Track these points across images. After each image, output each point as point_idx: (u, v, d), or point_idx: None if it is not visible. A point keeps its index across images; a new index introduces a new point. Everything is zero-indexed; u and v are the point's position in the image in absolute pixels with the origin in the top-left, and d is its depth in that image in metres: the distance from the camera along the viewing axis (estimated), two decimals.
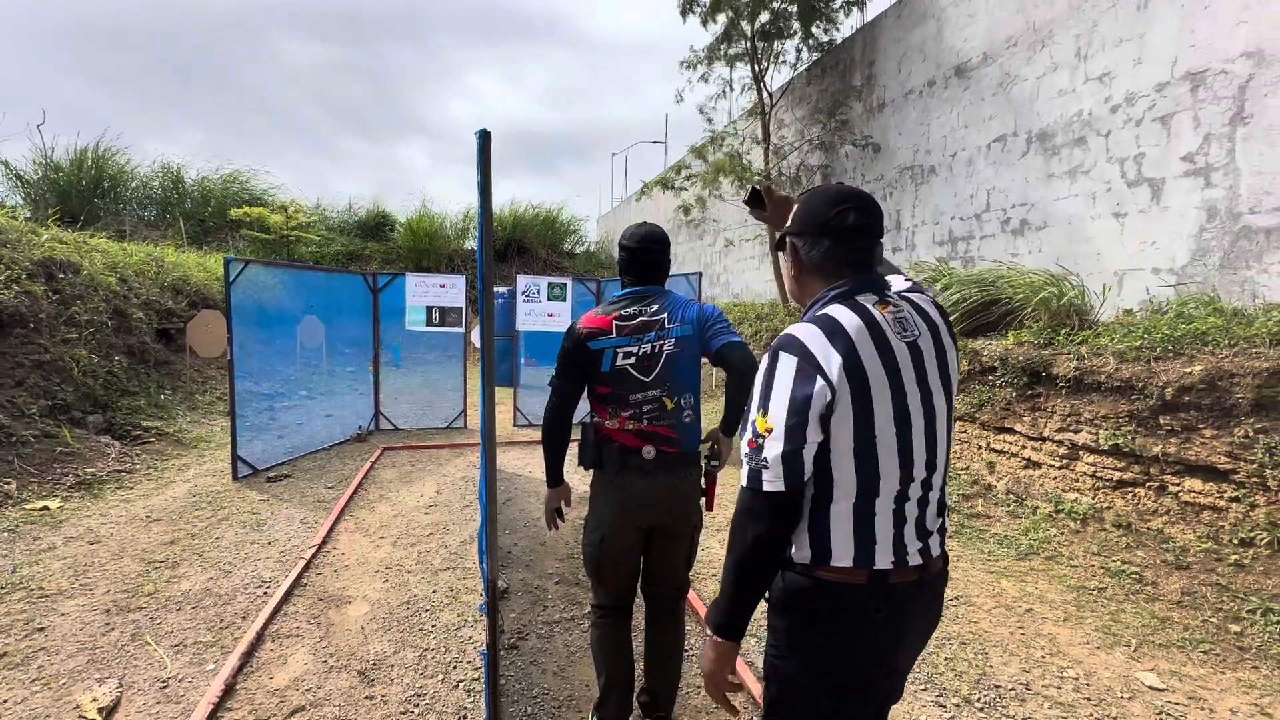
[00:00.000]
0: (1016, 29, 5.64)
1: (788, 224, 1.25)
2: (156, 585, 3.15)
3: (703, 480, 2.01)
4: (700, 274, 6.13)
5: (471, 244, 17.84)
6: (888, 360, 1.08)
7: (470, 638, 2.72)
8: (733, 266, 11.51)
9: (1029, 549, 3.66)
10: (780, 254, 1.30)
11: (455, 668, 2.50)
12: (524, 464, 5.68)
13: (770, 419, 1.05)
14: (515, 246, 17.37)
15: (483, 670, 2.19)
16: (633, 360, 1.88)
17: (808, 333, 1.08)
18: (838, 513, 1.09)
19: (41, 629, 2.73)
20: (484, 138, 1.40)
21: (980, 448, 4.54)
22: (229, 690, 2.28)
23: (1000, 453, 4.38)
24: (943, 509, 1.22)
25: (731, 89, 8.81)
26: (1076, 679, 2.49)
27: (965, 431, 4.68)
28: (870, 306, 1.12)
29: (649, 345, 1.88)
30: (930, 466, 1.14)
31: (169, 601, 2.99)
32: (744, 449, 1.09)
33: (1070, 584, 3.28)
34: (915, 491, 1.13)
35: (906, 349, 1.11)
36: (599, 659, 2.00)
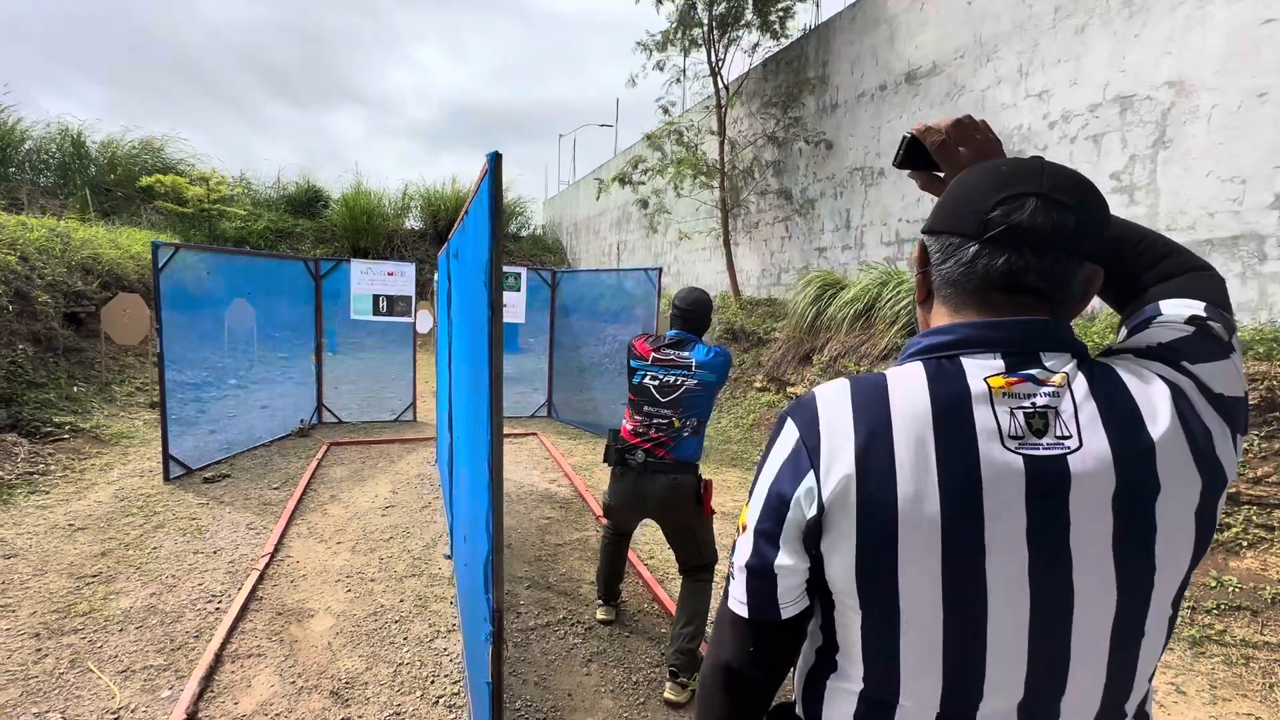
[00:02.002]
0: (964, 41, 5.88)
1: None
2: (91, 603, 2.92)
3: (700, 487, 2.52)
4: (660, 269, 6.15)
5: (411, 224, 17.18)
6: (958, 480, 0.60)
7: (445, 649, 2.68)
8: (684, 258, 11.59)
9: None
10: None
11: (433, 682, 2.45)
12: None
13: (749, 509, 0.71)
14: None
15: (474, 699, 2.17)
16: (656, 383, 2.52)
17: (832, 394, 0.68)
18: (831, 689, 0.70)
19: None
20: (494, 161, 1.35)
21: None
22: None
23: None
24: None
25: (686, 77, 8.79)
26: None
27: None
28: (977, 380, 0.64)
29: (673, 378, 2.50)
30: (1041, 686, 0.63)
31: (108, 621, 2.78)
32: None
33: None
34: None
35: (1023, 468, 0.60)
36: (600, 556, 2.95)
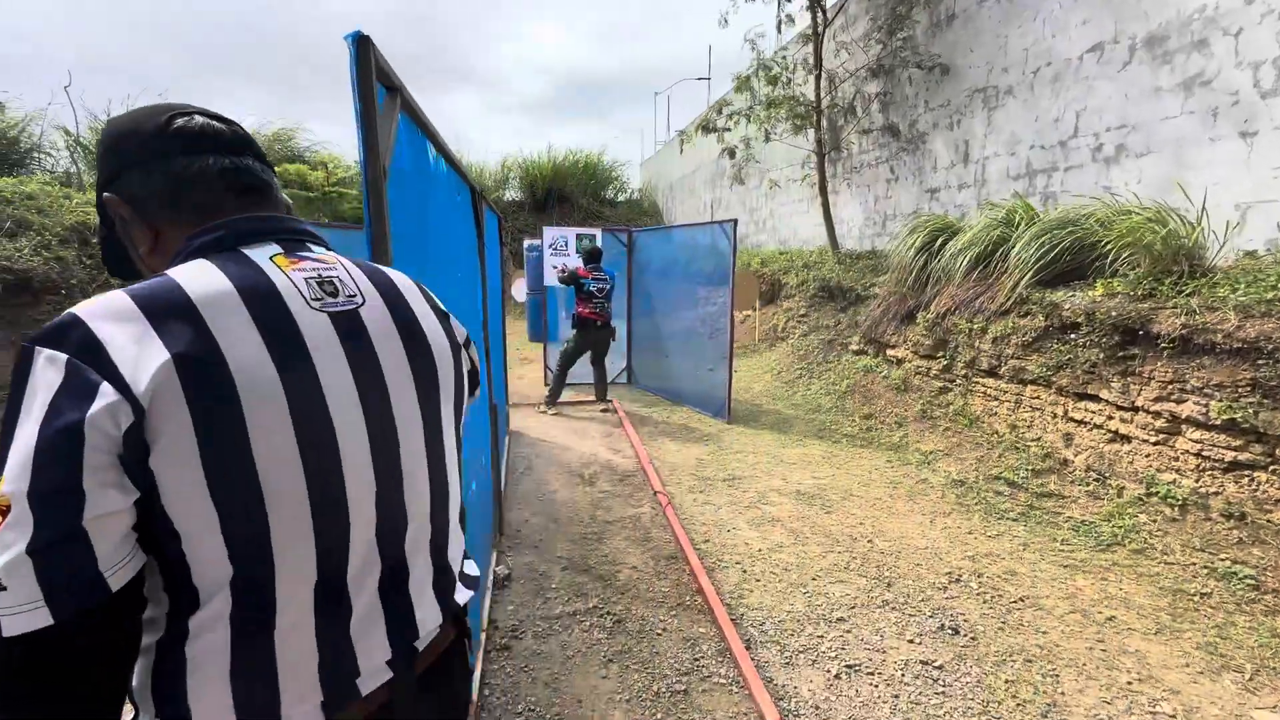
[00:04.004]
0: None
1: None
2: None
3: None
4: (735, 220, 5.55)
5: (510, 195, 17.47)
6: (286, 344, 0.63)
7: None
8: (778, 211, 10.71)
9: (1112, 538, 3.14)
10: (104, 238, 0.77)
11: None
12: (548, 430, 5.44)
13: (6, 484, 0.51)
14: (556, 196, 16.89)
15: None
16: (596, 287, 5.69)
17: (103, 309, 0.57)
18: (203, 649, 0.60)
19: None
20: (357, 44, 1.00)
21: (1055, 416, 3.94)
22: None
23: (1080, 423, 3.79)
24: (446, 570, 0.81)
25: (784, 4, 7.88)
26: (1173, 716, 2.04)
27: (1038, 397, 4.08)
28: (265, 260, 0.68)
29: (601, 284, 5.70)
30: (399, 516, 0.72)
31: None
32: None
33: (1164, 586, 2.76)
34: (369, 567, 0.70)
35: (330, 323, 0.67)
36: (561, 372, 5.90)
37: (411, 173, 1.49)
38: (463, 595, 0.85)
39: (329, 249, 0.78)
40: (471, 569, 0.91)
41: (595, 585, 2.86)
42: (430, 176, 1.77)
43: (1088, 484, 3.56)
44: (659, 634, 2.49)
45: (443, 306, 0.88)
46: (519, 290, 9.71)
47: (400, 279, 0.82)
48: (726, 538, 3.33)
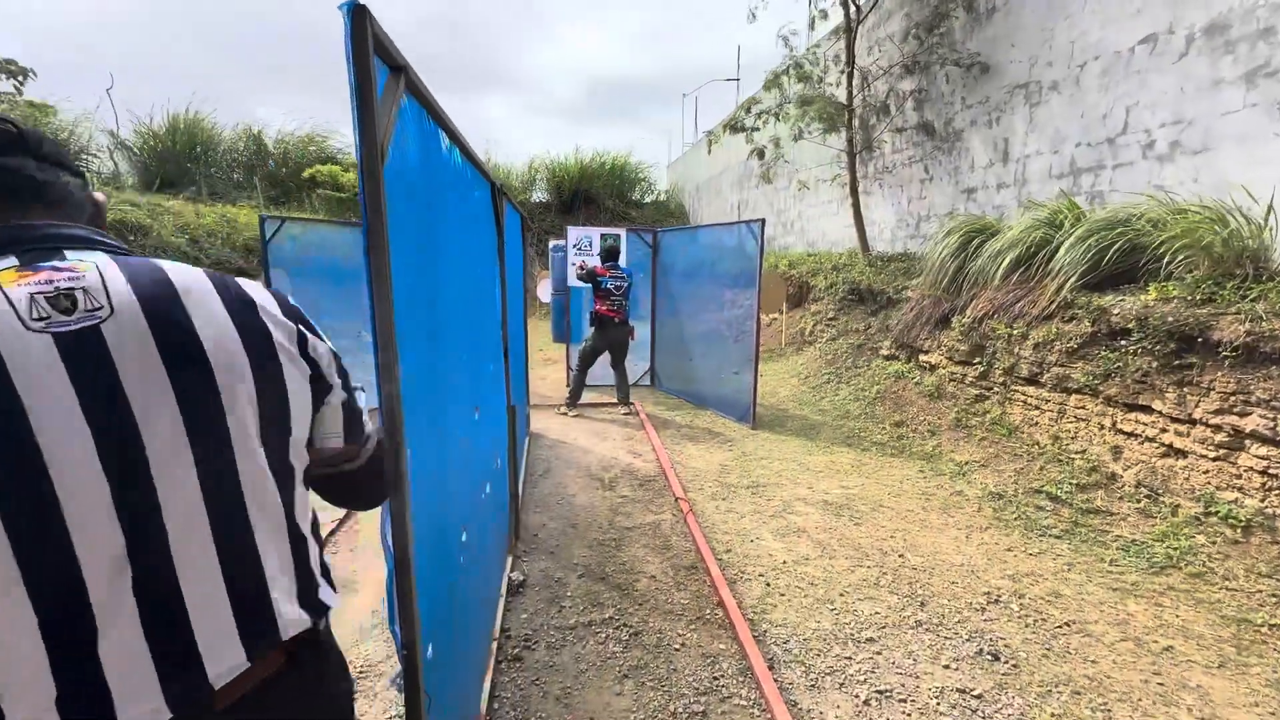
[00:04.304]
0: None
1: None
2: None
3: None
4: (763, 220, 5.40)
5: (537, 196, 17.52)
6: None
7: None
8: (807, 212, 10.50)
9: (1167, 560, 2.92)
10: None
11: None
12: (568, 431, 5.36)
13: None
14: (582, 197, 16.90)
15: None
16: (614, 285, 5.65)
17: None
18: None
19: None
20: (351, 10, 0.92)
21: (1103, 427, 3.72)
22: None
23: (1130, 435, 3.56)
24: (257, 598, 0.74)
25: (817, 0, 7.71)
26: None
27: (1084, 407, 3.85)
28: None
29: (619, 282, 5.68)
30: (159, 546, 0.66)
31: None
32: None
33: (1226, 614, 2.55)
34: (118, 607, 0.64)
35: (52, 344, 0.61)
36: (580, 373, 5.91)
37: (419, 163, 1.41)
38: (294, 624, 0.78)
39: (117, 251, 0.74)
40: (326, 595, 0.84)
41: (612, 594, 2.76)
42: (443, 169, 1.69)
43: (1138, 500, 3.34)
44: (677, 649, 2.37)
45: (266, 304, 0.78)
46: (544, 291, 9.68)
47: (184, 279, 0.72)
48: (749, 548, 3.20)
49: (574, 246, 6.71)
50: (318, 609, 0.82)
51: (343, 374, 0.88)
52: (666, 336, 6.98)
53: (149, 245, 6.55)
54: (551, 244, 9.49)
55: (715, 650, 2.37)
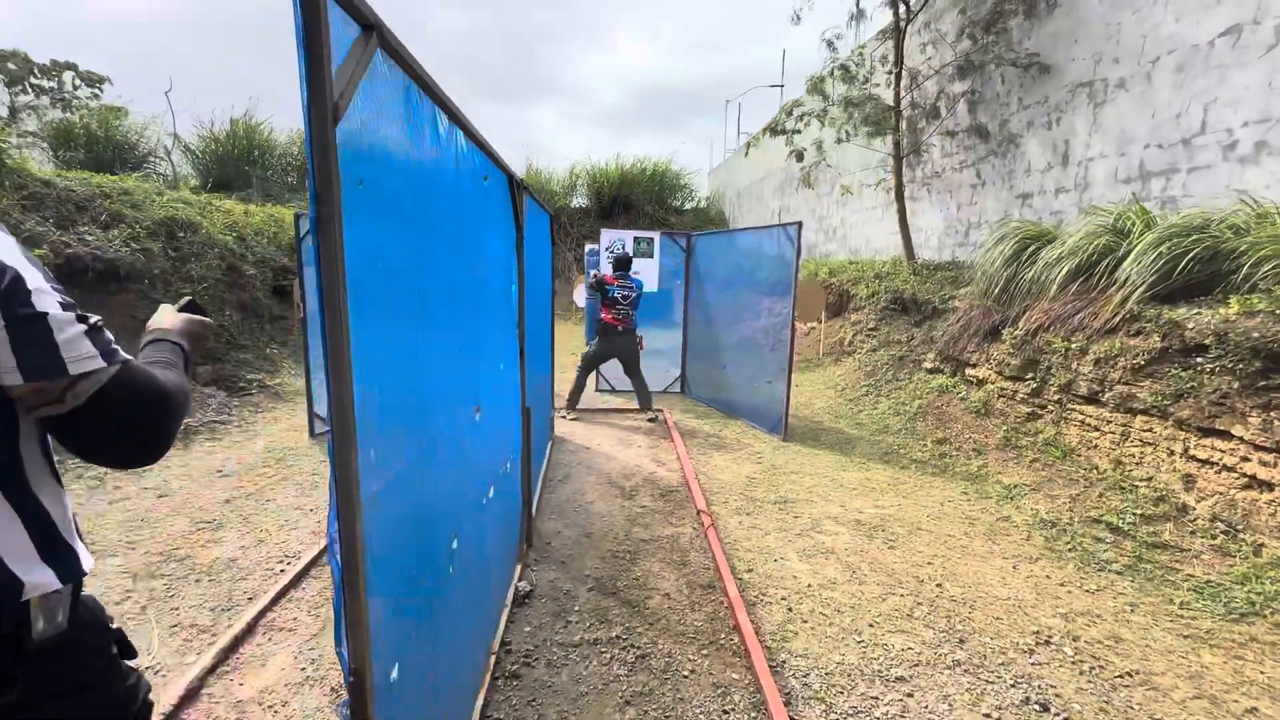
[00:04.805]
0: None
1: None
2: (190, 549, 3.06)
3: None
4: (800, 223, 5.18)
5: (577, 201, 17.58)
6: None
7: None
8: (850, 219, 10.16)
9: (1248, 606, 2.59)
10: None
11: None
12: (592, 436, 5.24)
13: None
14: (622, 203, 16.87)
15: None
16: (621, 294, 5.54)
17: None
18: None
19: None
20: None
21: (1173, 453, 3.37)
22: (188, 696, 2.01)
23: (1205, 463, 3.21)
24: None
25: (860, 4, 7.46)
26: None
27: (1151, 430, 3.51)
28: None
29: (626, 291, 5.57)
30: None
31: (193, 570, 2.86)
32: None
33: None
34: None
35: None
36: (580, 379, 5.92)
37: (403, 138, 1.30)
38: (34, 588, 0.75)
39: None
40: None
41: (622, 611, 2.60)
42: (438, 149, 1.58)
43: (1213, 536, 2.99)
44: (685, 675, 2.20)
45: None
46: (580, 295, 9.64)
47: None
48: (772, 568, 3.00)
49: (606, 249, 6.61)
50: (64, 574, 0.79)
51: (17, 295, 0.70)
52: (698, 343, 6.80)
53: (197, 241, 6.76)
54: (588, 249, 9.46)
55: (727, 680, 2.18)
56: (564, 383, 6.99)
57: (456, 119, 1.71)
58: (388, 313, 1.22)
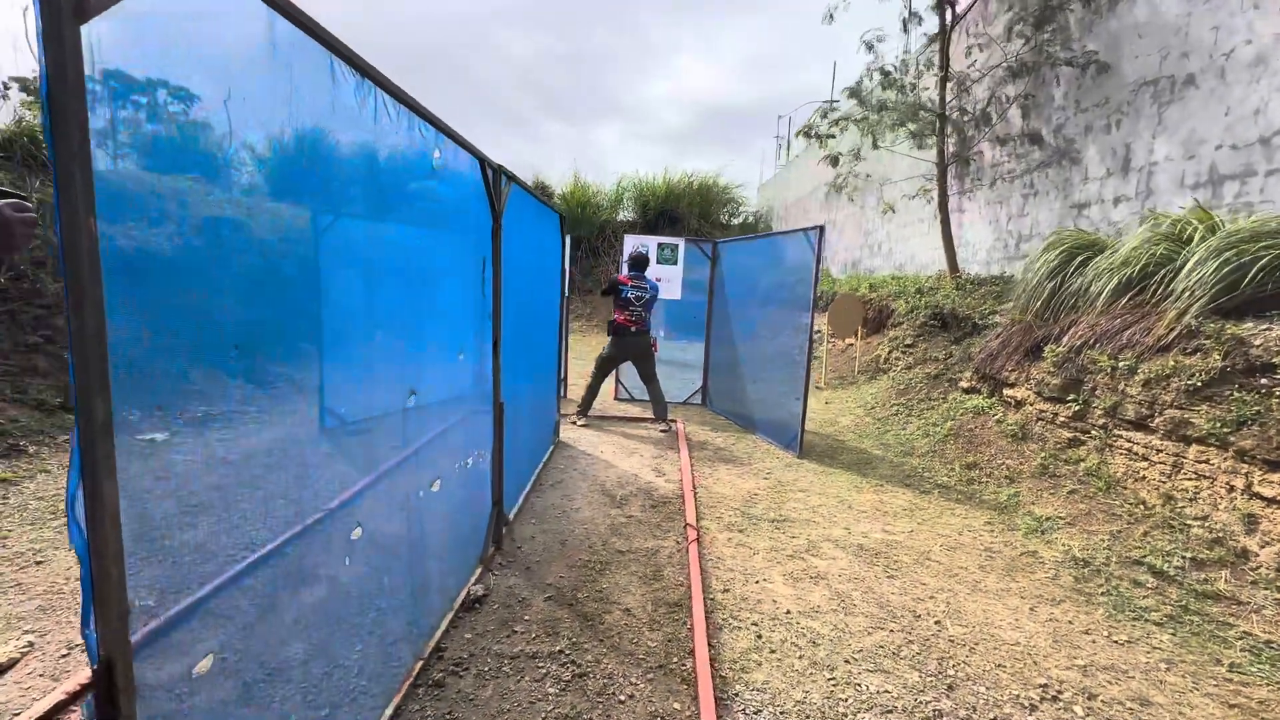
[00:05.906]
0: None
1: None
2: None
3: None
4: (821, 229, 4.88)
5: (624, 215, 17.63)
6: None
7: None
8: (896, 233, 9.69)
9: None
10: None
11: None
12: (598, 443, 5.07)
13: None
14: (667, 217, 16.82)
15: None
16: (634, 294, 5.37)
17: None
18: None
19: (39, 562, 2.72)
20: None
21: (1233, 489, 2.91)
22: None
23: (1271, 502, 2.75)
24: None
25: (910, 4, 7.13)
26: None
27: (1208, 461, 3.05)
28: None
29: (639, 292, 5.40)
30: None
31: None
32: None
33: None
34: None
35: None
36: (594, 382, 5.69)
37: (272, 82, 1.20)
38: None
39: None
40: None
41: (574, 625, 2.41)
42: (340, 100, 1.48)
43: (1278, 589, 2.54)
44: (621, 701, 1.98)
45: None
46: None
47: None
48: (751, 589, 2.74)
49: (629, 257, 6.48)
50: None
51: None
52: (719, 353, 6.56)
53: None
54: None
55: (666, 710, 1.95)
56: (579, 391, 6.87)
57: (379, 81, 1.61)
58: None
